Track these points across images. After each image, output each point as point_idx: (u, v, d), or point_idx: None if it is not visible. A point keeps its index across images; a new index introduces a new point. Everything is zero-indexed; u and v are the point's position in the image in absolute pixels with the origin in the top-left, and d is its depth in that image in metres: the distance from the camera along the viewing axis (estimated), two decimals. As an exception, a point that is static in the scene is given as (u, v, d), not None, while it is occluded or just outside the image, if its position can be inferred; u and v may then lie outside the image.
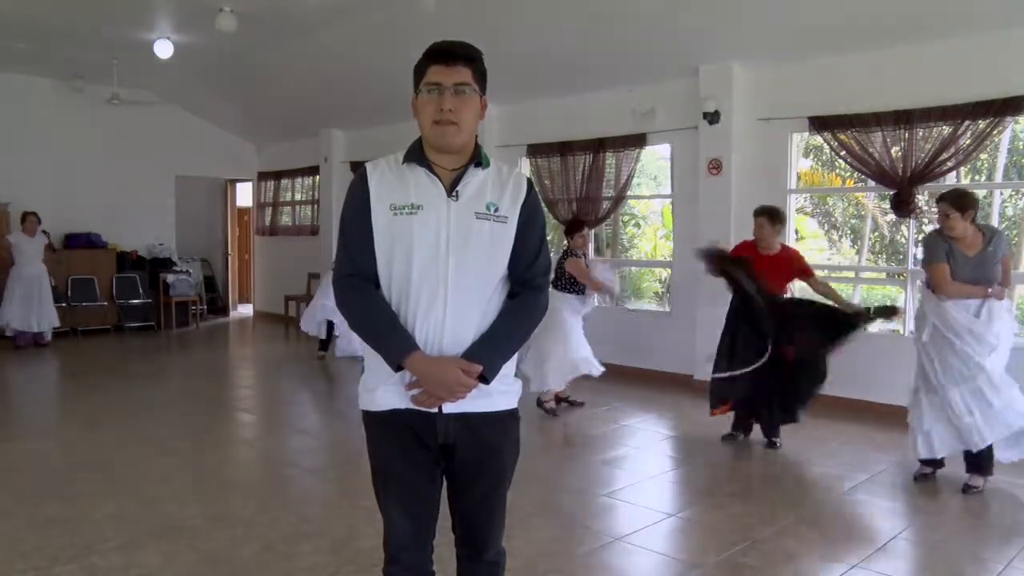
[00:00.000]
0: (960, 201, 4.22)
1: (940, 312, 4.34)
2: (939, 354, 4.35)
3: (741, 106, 6.95)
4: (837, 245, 10.79)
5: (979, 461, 4.39)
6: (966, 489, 4.37)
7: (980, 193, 6.95)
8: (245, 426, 6.23)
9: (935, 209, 4.46)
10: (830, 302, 5.16)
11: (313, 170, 11.64)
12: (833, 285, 5.76)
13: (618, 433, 5.82)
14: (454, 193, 1.93)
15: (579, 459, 5.21)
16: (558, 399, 6.34)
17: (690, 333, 7.23)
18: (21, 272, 9.21)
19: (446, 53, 1.90)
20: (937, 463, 4.58)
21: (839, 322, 4.99)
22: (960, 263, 4.28)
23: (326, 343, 8.79)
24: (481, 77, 1.95)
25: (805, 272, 5.28)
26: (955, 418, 4.29)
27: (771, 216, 5.22)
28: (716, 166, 7.05)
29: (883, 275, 9.23)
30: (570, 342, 6.02)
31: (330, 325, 8.61)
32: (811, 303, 5.31)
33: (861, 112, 6.24)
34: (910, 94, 5.99)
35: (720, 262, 5.23)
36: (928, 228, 7.17)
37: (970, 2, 5.49)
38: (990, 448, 4.36)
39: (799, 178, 7.62)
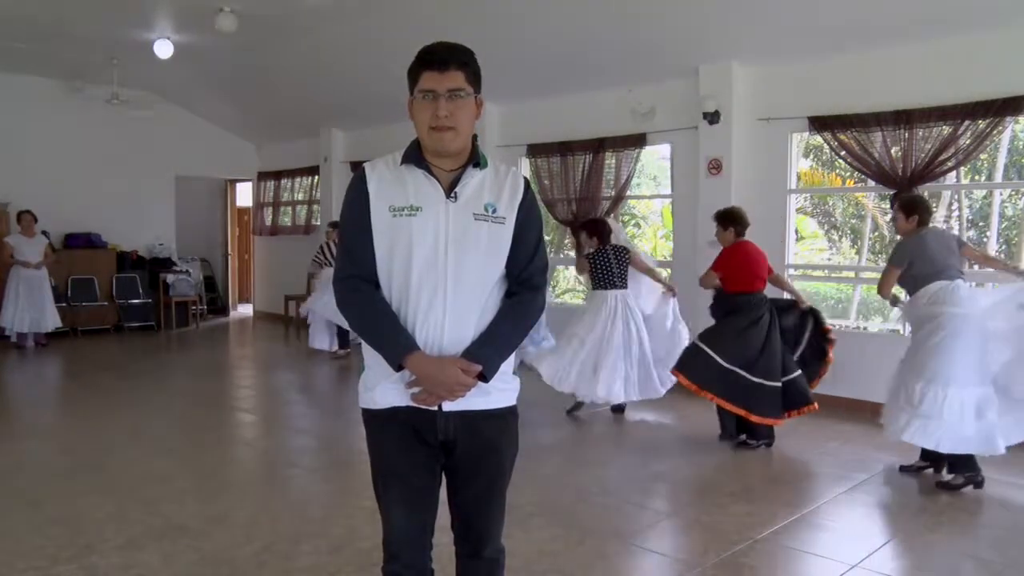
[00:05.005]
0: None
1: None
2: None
3: (741, 106, 6.94)
4: (837, 245, 10.78)
5: (959, 459, 4.40)
6: (940, 485, 4.44)
7: (980, 193, 7.02)
8: (245, 426, 6.23)
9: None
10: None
11: (313, 170, 11.64)
12: (834, 285, 5.81)
13: (618, 433, 5.82)
14: (452, 194, 1.94)
15: (579, 459, 5.21)
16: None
17: (690, 333, 7.21)
18: (21, 273, 9.19)
19: (439, 59, 1.90)
20: (937, 461, 4.58)
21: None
22: None
23: (345, 339, 8.79)
24: (475, 78, 1.95)
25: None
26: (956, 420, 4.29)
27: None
28: (716, 166, 7.04)
29: (883, 275, 9.19)
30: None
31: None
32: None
33: (861, 112, 6.23)
34: (910, 94, 5.98)
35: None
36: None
37: (970, 2, 5.49)
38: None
39: (799, 178, 7.62)
